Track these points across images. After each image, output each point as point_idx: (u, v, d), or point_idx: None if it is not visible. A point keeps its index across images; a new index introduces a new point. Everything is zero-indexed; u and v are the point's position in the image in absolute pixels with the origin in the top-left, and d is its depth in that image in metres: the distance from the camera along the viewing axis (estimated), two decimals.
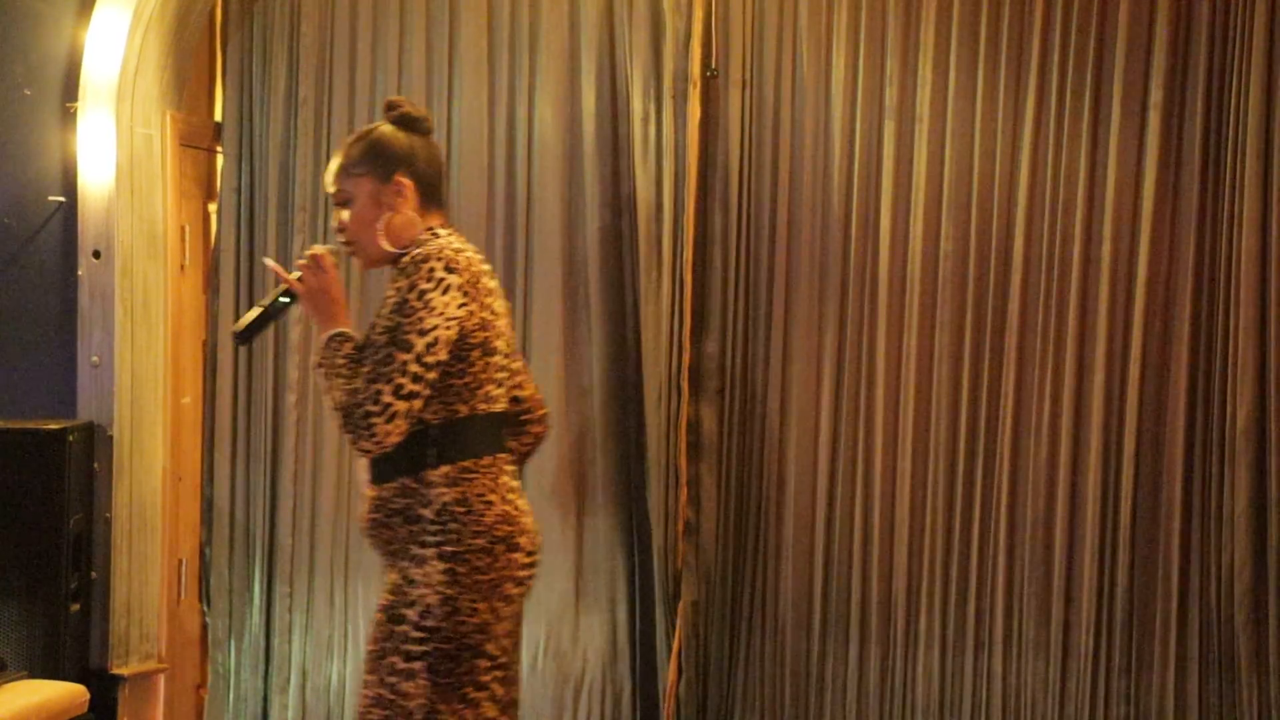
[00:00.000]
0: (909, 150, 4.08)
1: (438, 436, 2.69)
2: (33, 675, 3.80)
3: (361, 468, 2.81)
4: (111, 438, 4.08)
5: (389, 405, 2.59)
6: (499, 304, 2.80)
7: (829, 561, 4.16)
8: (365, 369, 2.63)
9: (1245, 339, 3.87)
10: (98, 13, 4.09)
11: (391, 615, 2.69)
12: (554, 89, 4.26)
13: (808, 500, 4.17)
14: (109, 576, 4.06)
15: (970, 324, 4.07)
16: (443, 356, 2.64)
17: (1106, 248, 3.98)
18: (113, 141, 4.08)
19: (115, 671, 4.07)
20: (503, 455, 2.79)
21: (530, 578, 2.81)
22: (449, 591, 2.65)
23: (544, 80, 4.27)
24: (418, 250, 2.69)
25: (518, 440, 2.91)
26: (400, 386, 2.59)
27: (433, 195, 2.82)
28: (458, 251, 2.71)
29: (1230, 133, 3.90)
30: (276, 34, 4.41)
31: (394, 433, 2.60)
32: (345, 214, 2.80)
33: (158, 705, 4.24)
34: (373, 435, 2.59)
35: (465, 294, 2.67)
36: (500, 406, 2.79)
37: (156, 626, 4.22)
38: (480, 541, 2.68)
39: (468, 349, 2.69)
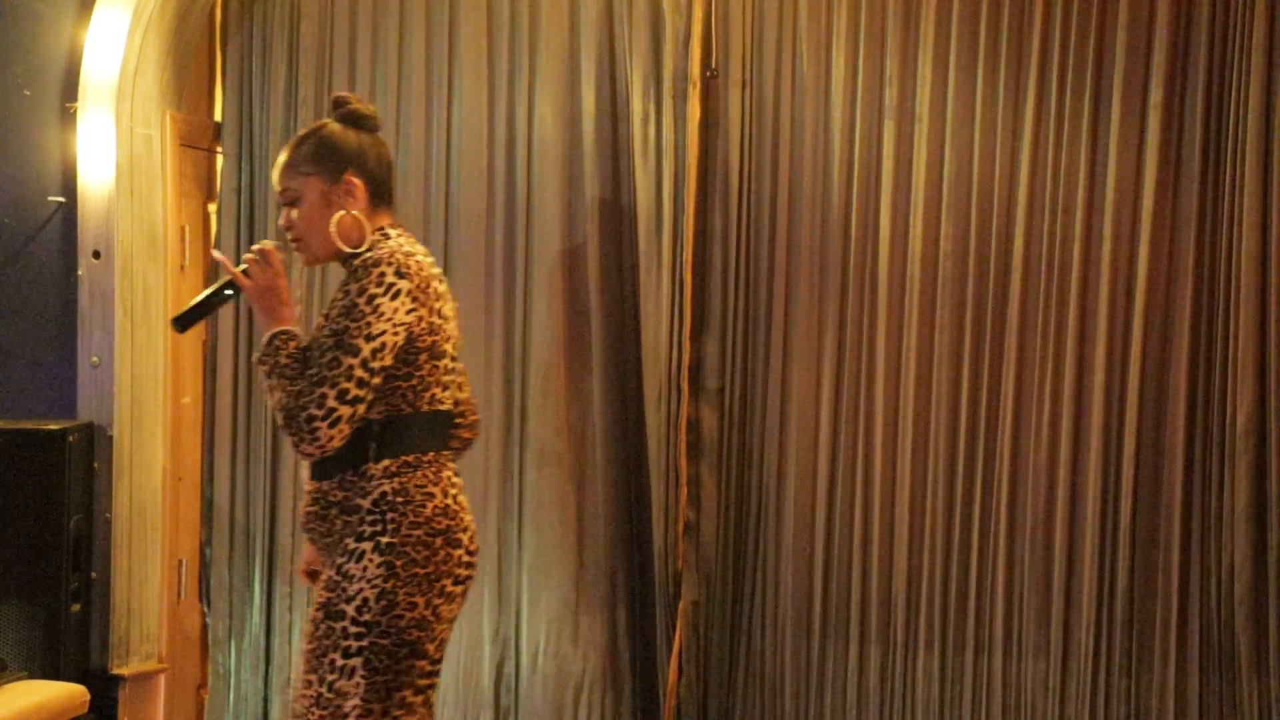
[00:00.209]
0: (909, 150, 4.08)
1: (379, 433, 2.69)
2: (33, 675, 3.80)
3: (306, 464, 2.80)
4: (111, 438, 4.08)
5: (333, 410, 2.59)
6: (448, 307, 2.80)
7: (829, 561, 4.16)
8: (311, 371, 2.63)
9: (1245, 339, 3.87)
10: (97, 13, 4.09)
11: (330, 612, 2.67)
12: (554, 89, 4.26)
13: (808, 500, 4.16)
14: (109, 577, 4.07)
15: (970, 324, 4.06)
16: (388, 362, 2.65)
17: (1106, 248, 3.97)
18: (113, 141, 4.08)
19: (115, 671, 4.07)
20: (446, 453, 2.80)
21: (470, 577, 2.80)
22: (385, 585, 2.64)
23: (544, 80, 4.27)
24: (369, 253, 2.69)
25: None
26: (345, 391, 2.59)
27: (382, 194, 2.82)
28: (409, 255, 2.71)
29: (1230, 133, 3.89)
30: (276, 34, 4.41)
31: (336, 437, 2.61)
32: (293, 212, 2.78)
33: (158, 705, 4.24)
34: (315, 439, 2.59)
35: (415, 299, 2.68)
36: (445, 406, 2.80)
37: (156, 626, 4.22)
38: (418, 533, 2.67)
39: (415, 353, 2.70)
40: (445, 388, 2.79)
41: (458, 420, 2.92)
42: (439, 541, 2.70)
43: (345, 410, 2.60)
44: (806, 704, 4.18)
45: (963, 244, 4.06)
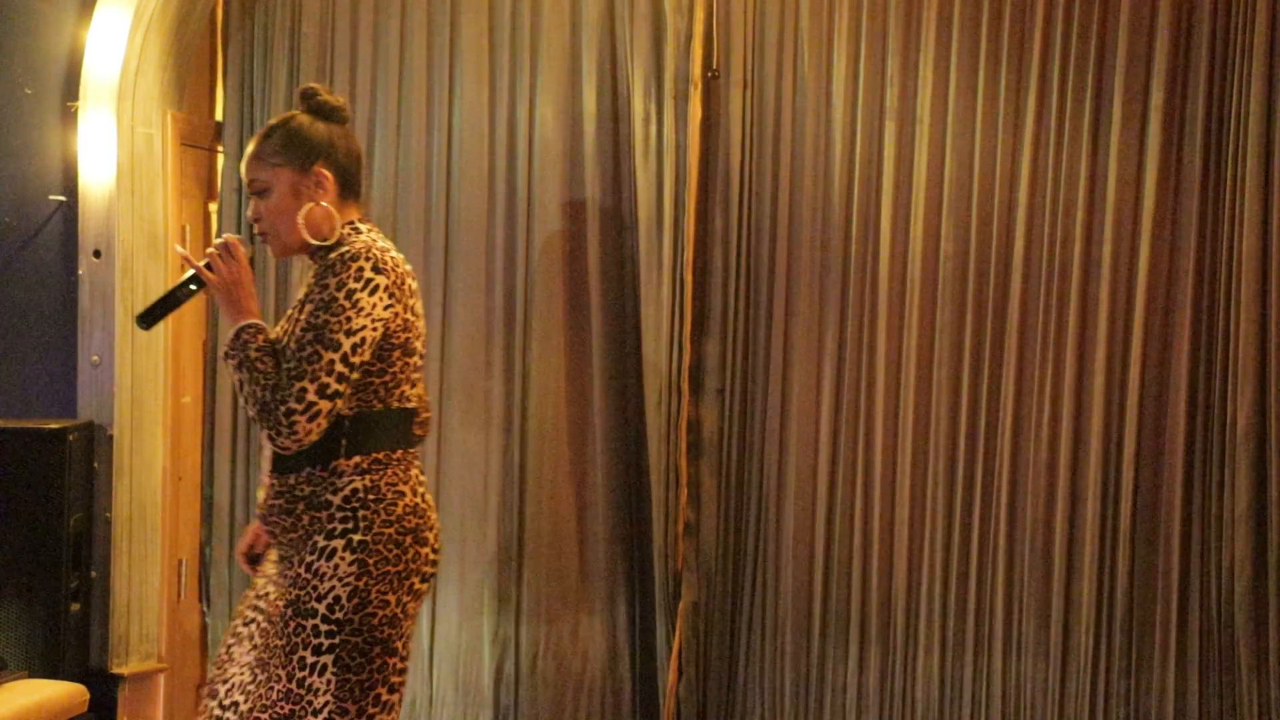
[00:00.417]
0: (909, 151, 4.09)
1: (350, 429, 2.69)
2: (33, 675, 3.80)
3: (266, 457, 2.79)
4: (111, 438, 4.08)
5: (313, 404, 2.59)
6: (419, 305, 2.81)
7: (829, 562, 4.17)
8: (289, 365, 2.62)
9: (1245, 340, 3.88)
10: (98, 12, 4.09)
11: (299, 609, 2.66)
12: (555, 89, 4.26)
13: (808, 500, 4.17)
14: (109, 576, 4.06)
15: (970, 325, 4.07)
16: (366, 357, 2.66)
17: (1107, 249, 3.98)
18: (113, 141, 4.08)
19: (115, 671, 4.07)
20: (412, 450, 2.80)
21: (434, 575, 2.81)
22: (358, 583, 2.64)
23: (545, 81, 4.27)
24: (345, 248, 2.69)
25: None
26: (325, 386, 2.60)
27: (351, 186, 2.82)
28: (384, 251, 2.72)
29: (1231, 134, 3.90)
30: (277, 34, 4.41)
31: (314, 430, 2.61)
32: (262, 203, 2.78)
33: (158, 705, 4.24)
34: (293, 432, 2.59)
35: (391, 295, 2.68)
36: (412, 404, 2.81)
37: (156, 626, 4.22)
38: (390, 531, 2.68)
39: (390, 349, 2.71)
40: (413, 385, 2.81)
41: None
42: (409, 540, 2.71)
43: (324, 404, 2.60)
44: (806, 704, 4.18)
45: (963, 245, 4.07)
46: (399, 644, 2.72)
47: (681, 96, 4.17)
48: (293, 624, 2.66)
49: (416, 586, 2.74)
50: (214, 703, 2.74)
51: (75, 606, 3.95)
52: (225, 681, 2.74)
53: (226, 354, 2.68)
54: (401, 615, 2.71)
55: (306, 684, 2.64)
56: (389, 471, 2.72)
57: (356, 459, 2.69)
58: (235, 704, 2.69)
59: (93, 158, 4.09)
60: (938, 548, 4.10)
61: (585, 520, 4.28)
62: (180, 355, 4.36)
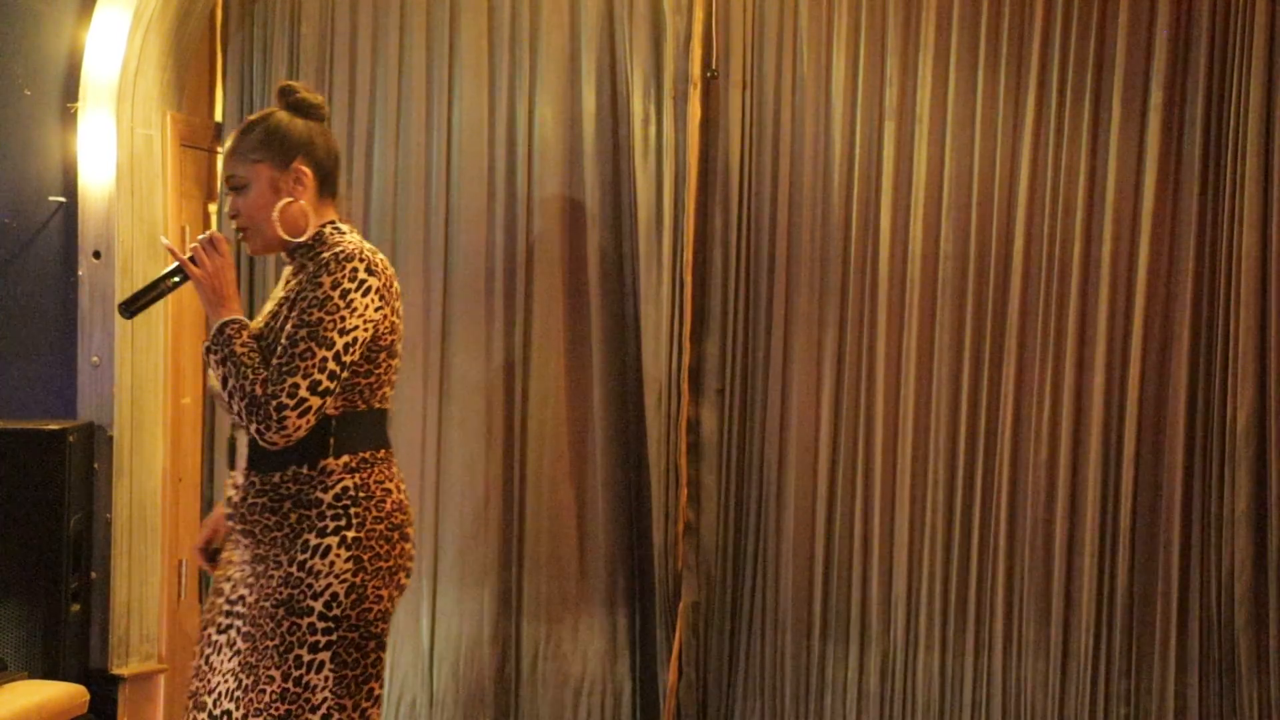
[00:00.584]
0: (909, 151, 4.09)
1: (337, 428, 2.70)
2: (33, 675, 3.80)
3: (242, 455, 2.75)
4: (111, 438, 4.08)
5: (304, 400, 2.60)
6: (401, 308, 2.84)
7: (829, 562, 4.16)
8: (280, 360, 2.62)
9: (1245, 340, 3.88)
10: (98, 13, 4.09)
11: (293, 608, 2.65)
12: (554, 90, 4.26)
13: (808, 500, 4.17)
14: (109, 577, 4.06)
15: (970, 324, 4.07)
16: (356, 357, 2.68)
17: (1106, 248, 3.98)
18: (113, 142, 4.08)
19: (115, 672, 4.07)
20: (389, 449, 2.83)
21: (411, 570, 2.84)
22: (354, 579, 2.66)
23: (544, 81, 4.27)
24: (339, 248, 2.70)
25: None
26: (317, 383, 2.61)
27: (329, 184, 2.83)
28: (374, 253, 2.75)
29: (1230, 134, 3.90)
30: (276, 34, 4.42)
31: (304, 427, 2.63)
32: (241, 199, 2.77)
33: (158, 705, 4.24)
34: (283, 428, 2.60)
35: (381, 298, 2.72)
36: (389, 405, 2.84)
37: (156, 627, 4.22)
38: (380, 528, 2.71)
39: (377, 351, 2.73)
40: (393, 386, 2.84)
41: None
42: (396, 535, 2.75)
43: (315, 401, 2.62)
44: (806, 704, 4.18)
45: (963, 244, 4.07)
46: (386, 638, 2.76)
47: (681, 96, 4.17)
48: (287, 623, 2.65)
49: (402, 581, 2.78)
50: (203, 715, 2.74)
51: (75, 607, 3.95)
52: (211, 691, 2.74)
53: (209, 348, 2.68)
54: (390, 609, 2.75)
55: (304, 682, 2.65)
56: (376, 470, 2.75)
57: (345, 458, 2.71)
58: (227, 712, 2.69)
59: (92, 159, 4.09)
60: (938, 548, 4.10)
61: (585, 520, 4.28)
62: (180, 356, 4.36)
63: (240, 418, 2.65)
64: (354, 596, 2.66)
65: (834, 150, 4.12)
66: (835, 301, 4.14)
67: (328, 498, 2.68)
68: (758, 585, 4.21)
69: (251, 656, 2.68)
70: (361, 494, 2.70)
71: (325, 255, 2.71)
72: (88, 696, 3.82)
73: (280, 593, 2.67)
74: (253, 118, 2.84)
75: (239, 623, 2.73)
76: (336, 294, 2.65)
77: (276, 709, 2.65)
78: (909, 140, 4.08)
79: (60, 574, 3.89)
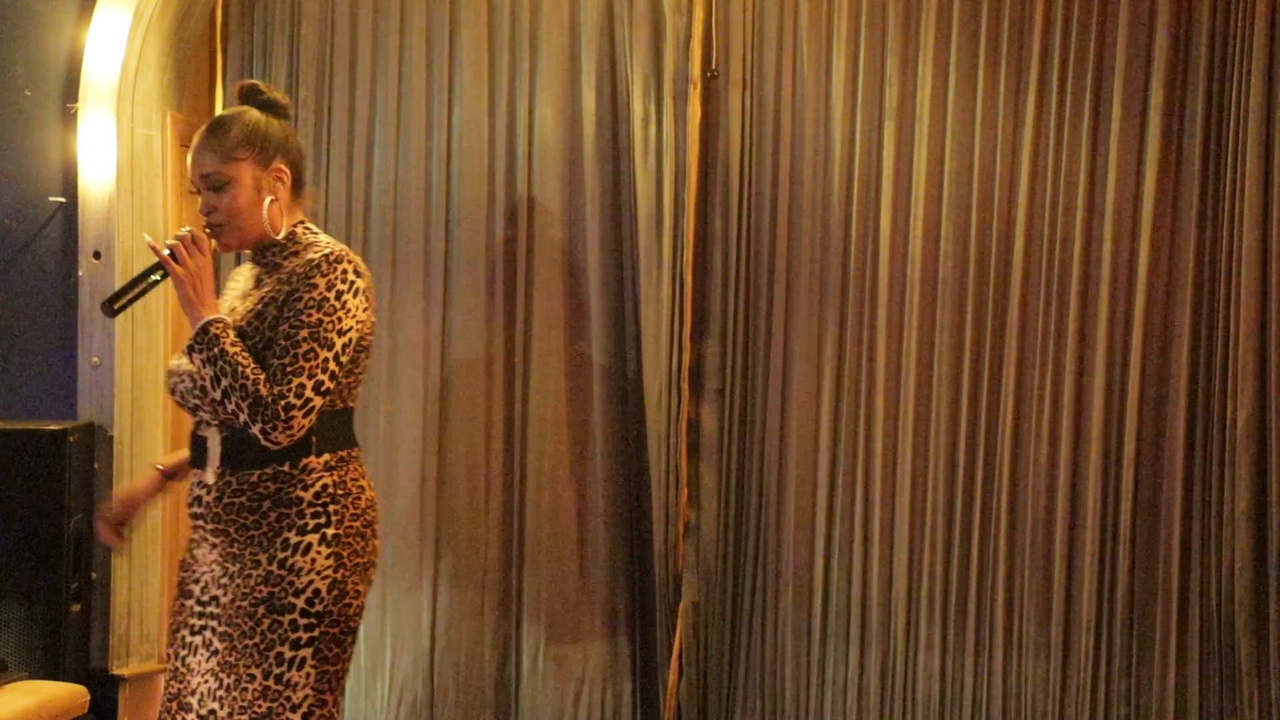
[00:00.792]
0: (909, 151, 4.09)
1: (319, 427, 2.71)
2: (33, 676, 3.80)
3: (214, 454, 2.73)
4: (111, 438, 4.08)
5: (309, 400, 2.63)
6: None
7: (829, 562, 4.16)
8: (282, 361, 2.63)
9: (1245, 339, 3.88)
10: (98, 13, 4.09)
11: (274, 605, 2.66)
12: (554, 90, 4.26)
13: (808, 500, 4.17)
14: (109, 577, 4.06)
15: (970, 324, 4.07)
16: (351, 357, 2.72)
17: (1107, 248, 3.98)
18: (113, 142, 4.08)
19: (115, 672, 4.07)
20: (359, 448, 2.85)
21: (377, 565, 2.88)
22: (336, 575, 2.69)
23: (544, 81, 4.27)
24: (327, 249, 2.73)
25: None
26: (320, 383, 2.65)
27: (301, 184, 2.86)
28: (353, 253, 2.78)
29: (1231, 134, 3.90)
30: (276, 34, 4.42)
31: (306, 426, 2.65)
32: (220, 197, 2.76)
33: (158, 706, 4.24)
34: (289, 428, 2.62)
35: (367, 298, 2.76)
36: (357, 404, 2.88)
37: (157, 627, 4.22)
38: (357, 524, 2.74)
39: (360, 351, 2.77)
40: (361, 385, 2.87)
41: None
42: (369, 532, 2.78)
43: (318, 401, 2.65)
44: (806, 704, 4.18)
45: (963, 245, 4.07)
46: (359, 631, 2.81)
47: (680, 96, 4.17)
48: (268, 620, 2.66)
49: (371, 575, 2.82)
50: (189, 715, 2.75)
51: (76, 607, 3.95)
52: (194, 693, 2.75)
53: (193, 348, 2.66)
54: (364, 604, 2.79)
55: (285, 679, 2.66)
56: (351, 468, 2.77)
57: (326, 456, 2.73)
58: (213, 711, 2.71)
59: (92, 159, 4.09)
60: (938, 548, 4.10)
61: (585, 520, 4.29)
62: None
63: (236, 417, 2.64)
64: (335, 592, 2.69)
65: (834, 150, 4.12)
66: (835, 301, 4.14)
67: (308, 496, 2.70)
68: (758, 585, 4.21)
69: (230, 656, 2.69)
70: (340, 491, 2.72)
71: (313, 256, 2.72)
72: (88, 697, 3.82)
73: (260, 591, 2.67)
74: (225, 115, 2.83)
75: (214, 623, 2.74)
76: (332, 295, 2.67)
77: (258, 707, 2.66)
78: (909, 140, 4.08)
79: (61, 574, 3.89)
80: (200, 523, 2.76)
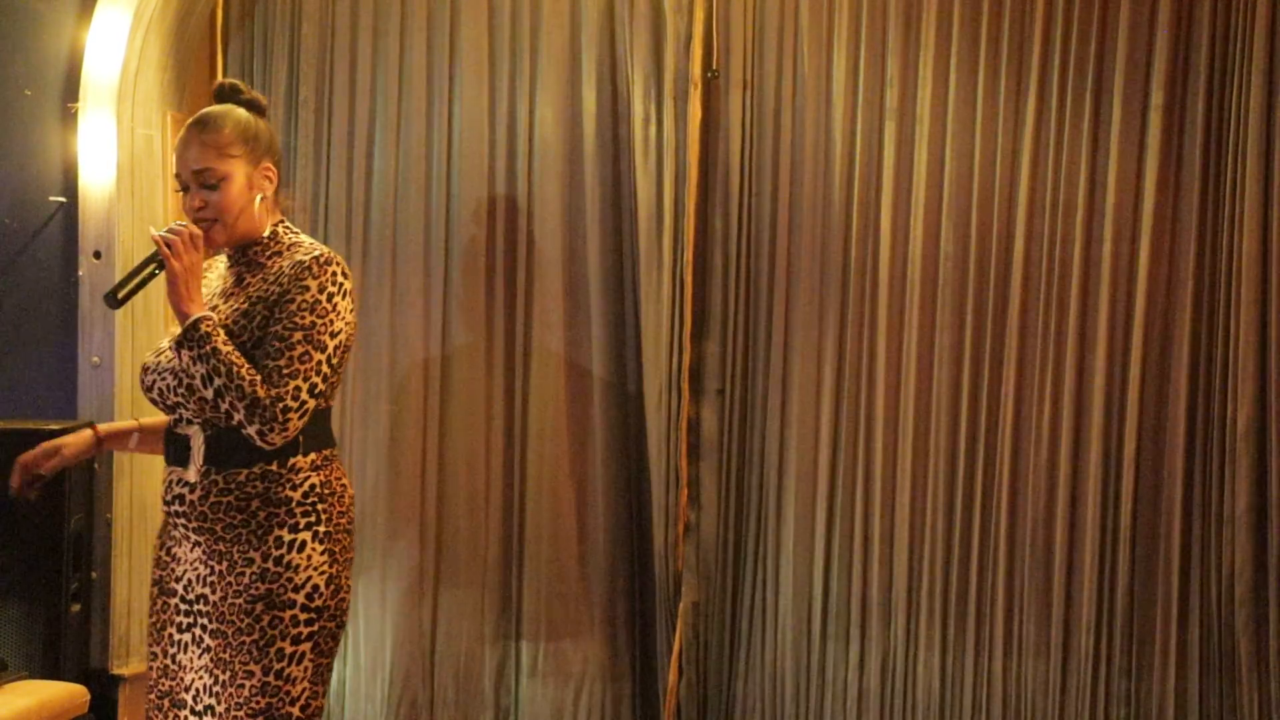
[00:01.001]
0: (910, 151, 4.09)
1: (306, 426, 2.72)
2: (33, 675, 3.79)
3: (197, 452, 2.72)
4: None
5: (304, 402, 2.66)
6: None
7: (829, 562, 4.17)
8: (278, 363, 2.64)
9: (1245, 340, 3.88)
10: (98, 13, 4.09)
11: (272, 602, 2.68)
12: (554, 90, 4.26)
13: (808, 500, 4.17)
14: (110, 577, 4.06)
15: (970, 325, 4.07)
16: (339, 359, 2.75)
17: (1107, 249, 3.98)
18: (113, 142, 4.08)
19: (116, 672, 4.07)
20: (338, 446, 2.89)
21: None
22: (332, 571, 2.73)
23: (544, 81, 4.27)
24: (317, 251, 2.74)
25: None
26: (315, 385, 2.67)
27: (279, 183, 2.88)
28: (340, 256, 2.81)
29: (1231, 134, 3.90)
30: (276, 34, 4.42)
31: (299, 428, 2.68)
32: (214, 194, 2.76)
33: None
34: (285, 429, 2.64)
35: (353, 300, 2.79)
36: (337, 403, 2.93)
37: None
38: (344, 521, 2.78)
39: (345, 352, 2.80)
40: (340, 385, 2.91)
41: None
42: (351, 528, 2.83)
43: (312, 403, 2.68)
44: (806, 704, 4.18)
45: (963, 245, 4.07)
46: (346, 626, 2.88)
47: (681, 97, 4.17)
48: (267, 617, 2.68)
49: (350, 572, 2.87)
50: (184, 712, 2.76)
51: (76, 607, 3.94)
52: (188, 688, 2.75)
53: (182, 343, 2.66)
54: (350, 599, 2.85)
55: (285, 675, 2.68)
56: (333, 466, 2.80)
57: (313, 455, 2.75)
58: (210, 707, 2.72)
59: (92, 159, 4.09)
60: (938, 548, 4.10)
61: (585, 520, 4.29)
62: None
63: (229, 417, 2.65)
64: (333, 587, 2.73)
65: (834, 150, 4.12)
66: (835, 301, 4.14)
67: (297, 495, 2.72)
68: (758, 585, 4.21)
69: (224, 653, 2.70)
70: (326, 491, 2.75)
71: (300, 257, 2.73)
72: (88, 696, 3.82)
73: (257, 588, 2.68)
74: (213, 112, 2.81)
75: (204, 620, 2.74)
76: (324, 298, 2.69)
77: (256, 703, 2.67)
78: (909, 140, 4.08)
79: (61, 574, 3.89)
80: (182, 520, 2.76)
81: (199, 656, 2.74)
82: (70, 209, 4.13)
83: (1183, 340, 3.95)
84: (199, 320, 2.66)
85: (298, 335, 2.66)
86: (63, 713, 3.70)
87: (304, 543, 2.70)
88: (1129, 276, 3.98)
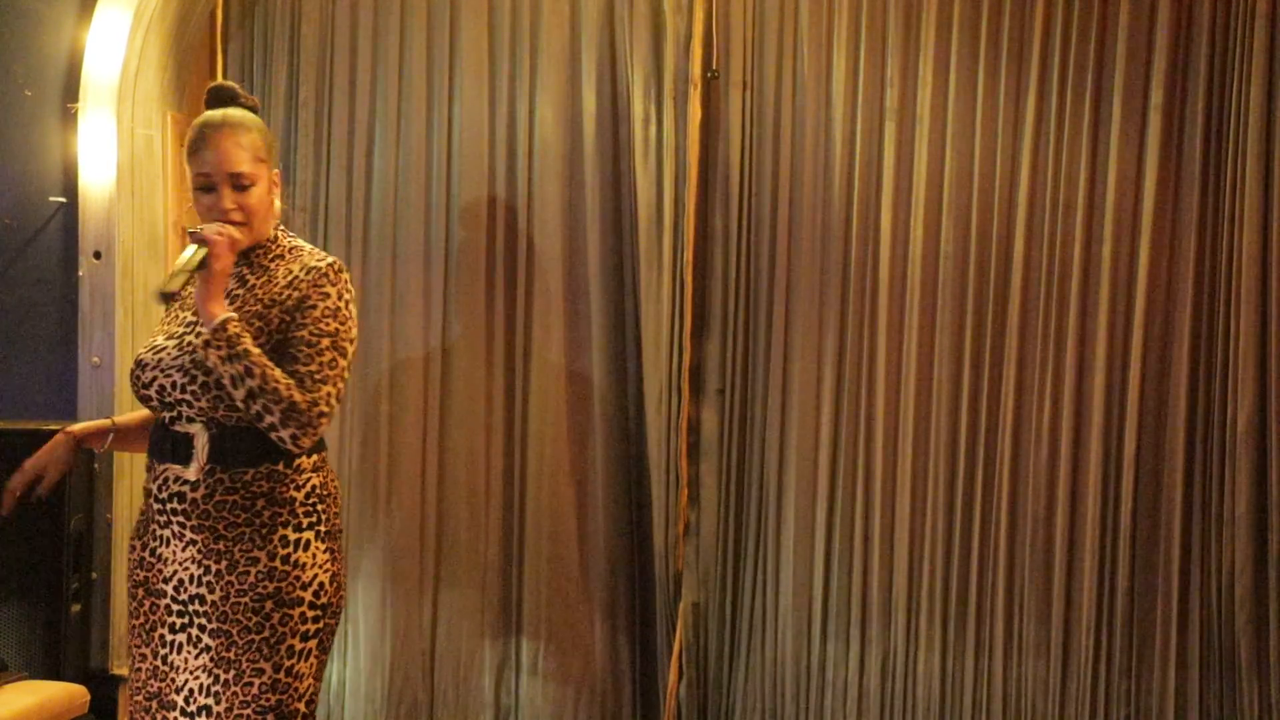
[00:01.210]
0: (909, 151, 4.09)
1: None
2: (33, 676, 3.79)
3: (201, 451, 2.71)
4: None
5: (334, 406, 2.73)
6: None
7: (829, 562, 4.17)
8: (309, 368, 2.68)
9: (1245, 340, 3.88)
10: (98, 13, 4.09)
11: (281, 600, 2.70)
12: (554, 90, 4.26)
13: (808, 500, 4.17)
14: (110, 577, 4.06)
15: (970, 325, 4.07)
16: (352, 364, 2.81)
17: (1107, 249, 3.98)
18: (113, 142, 4.08)
19: (116, 672, 4.06)
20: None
21: None
22: (334, 568, 2.79)
23: (544, 81, 4.27)
24: (330, 258, 2.80)
25: None
26: (340, 391, 2.75)
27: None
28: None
29: (1231, 134, 3.90)
30: (277, 34, 4.42)
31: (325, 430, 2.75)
32: (245, 197, 2.78)
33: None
34: (316, 433, 2.71)
35: (355, 306, 2.84)
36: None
37: None
38: (338, 522, 2.85)
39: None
40: None
41: None
42: (342, 531, 2.90)
43: (337, 407, 2.75)
44: (806, 704, 4.18)
45: (963, 245, 4.07)
46: None
47: (681, 97, 4.17)
48: (277, 615, 2.69)
49: None
50: (174, 713, 2.74)
51: (76, 608, 3.94)
52: (180, 689, 2.73)
53: (209, 343, 2.65)
54: None
55: (295, 671, 2.71)
56: (327, 469, 2.85)
57: (314, 457, 2.79)
58: (206, 707, 2.70)
59: (93, 159, 4.09)
60: (938, 548, 4.10)
61: (585, 520, 4.29)
62: None
63: (260, 419, 2.65)
64: (335, 584, 2.79)
65: (834, 151, 4.12)
66: (835, 301, 4.14)
67: (300, 495, 2.75)
68: (758, 585, 4.21)
69: (229, 652, 2.69)
70: (324, 492, 2.81)
71: (312, 262, 2.77)
72: (88, 696, 3.82)
73: (265, 586, 2.70)
74: (237, 115, 2.81)
75: (201, 620, 2.73)
76: (344, 305, 2.76)
77: (266, 700, 2.68)
78: (909, 141, 4.09)
79: (61, 574, 3.89)
80: (179, 519, 2.74)
81: (195, 657, 2.73)
82: (70, 209, 4.13)
83: (1183, 340, 3.95)
84: (226, 321, 2.66)
85: (325, 341, 2.71)
86: (63, 713, 3.71)
87: (308, 542, 2.74)
88: (1129, 276, 3.98)
